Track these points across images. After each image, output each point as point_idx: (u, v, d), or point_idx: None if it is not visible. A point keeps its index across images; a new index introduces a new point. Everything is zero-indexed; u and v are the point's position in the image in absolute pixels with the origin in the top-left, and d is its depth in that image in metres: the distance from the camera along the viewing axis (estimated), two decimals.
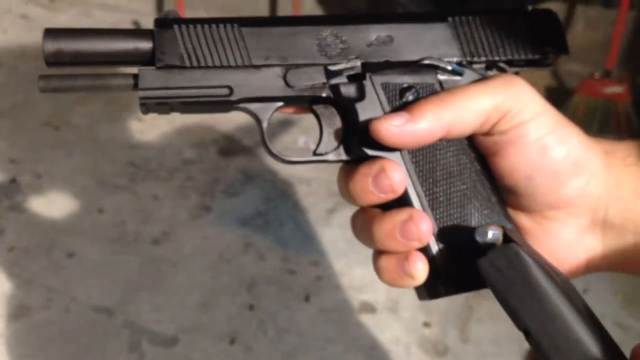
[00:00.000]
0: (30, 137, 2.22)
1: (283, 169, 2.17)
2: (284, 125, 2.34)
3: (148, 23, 2.83)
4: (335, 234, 1.97)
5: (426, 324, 1.75)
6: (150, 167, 2.15)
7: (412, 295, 1.79)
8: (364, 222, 0.48)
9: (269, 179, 2.14)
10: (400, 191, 0.46)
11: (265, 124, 0.49)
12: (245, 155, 2.22)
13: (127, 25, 2.82)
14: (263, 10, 2.86)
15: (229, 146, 2.25)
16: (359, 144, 0.47)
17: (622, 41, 2.48)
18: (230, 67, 0.47)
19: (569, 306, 0.38)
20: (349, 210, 1.98)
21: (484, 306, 1.79)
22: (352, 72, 0.48)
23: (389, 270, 0.46)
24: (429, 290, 0.47)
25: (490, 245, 0.42)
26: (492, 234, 0.42)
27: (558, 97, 2.41)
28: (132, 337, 1.65)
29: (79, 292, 1.73)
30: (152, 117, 2.34)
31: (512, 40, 0.50)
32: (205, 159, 2.20)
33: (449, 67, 0.49)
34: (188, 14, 2.65)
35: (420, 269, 0.45)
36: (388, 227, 0.46)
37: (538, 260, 0.40)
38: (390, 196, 0.46)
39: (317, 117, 0.50)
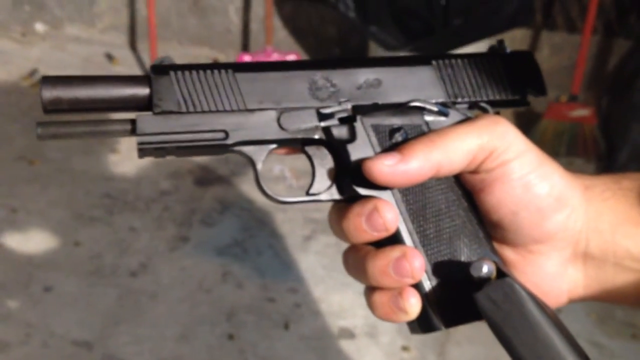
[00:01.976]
0: (5, 171, 2.21)
1: (259, 198, 2.19)
2: None
3: (121, 55, 2.85)
4: (312, 261, 1.98)
5: (405, 348, 1.77)
6: (126, 199, 2.15)
7: None
8: (357, 259, 0.49)
9: (246, 207, 2.15)
10: (392, 229, 0.47)
11: (259, 166, 0.51)
12: (221, 184, 2.24)
13: (100, 58, 2.83)
14: (235, 41, 2.90)
15: (205, 176, 2.27)
16: (351, 183, 0.49)
17: (586, 65, 2.55)
18: (225, 111, 0.49)
19: (560, 337, 0.40)
20: (326, 237, 2.00)
21: (461, 329, 1.81)
22: (343, 115, 0.50)
23: (383, 305, 0.48)
24: (422, 324, 0.49)
25: (485, 280, 0.44)
26: (487, 268, 0.44)
27: (526, 121, 2.47)
28: None
29: (58, 326, 1.72)
30: (127, 148, 2.35)
31: (493, 81, 0.53)
32: (182, 189, 2.21)
33: (435, 109, 0.51)
34: (160, 44, 2.67)
35: (414, 304, 0.47)
36: (381, 264, 0.47)
37: (531, 294, 0.43)
38: (383, 234, 0.48)
39: (310, 158, 0.52)
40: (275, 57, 2.62)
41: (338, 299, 1.87)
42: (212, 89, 0.49)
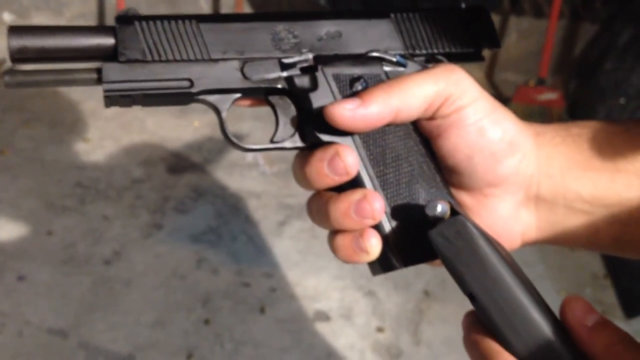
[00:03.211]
0: None
1: (233, 184, 2.19)
2: None
3: None
4: (287, 246, 2.00)
5: (379, 329, 1.79)
6: (98, 188, 2.14)
7: (365, 301, 1.83)
8: (320, 205, 0.51)
9: (219, 194, 2.16)
10: (353, 173, 0.49)
11: (224, 114, 0.52)
12: (195, 172, 2.24)
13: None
14: (205, 9, 2.89)
15: (178, 163, 2.27)
16: (313, 130, 0.50)
17: (553, 50, 2.59)
18: (190, 60, 0.50)
19: (510, 272, 0.43)
20: (300, 222, 2.02)
21: (434, 309, 1.84)
22: (305, 65, 0.52)
23: (345, 247, 0.49)
24: (383, 264, 0.50)
25: (439, 219, 0.46)
26: (441, 207, 0.46)
27: None
28: (88, 357, 1.64)
29: (32, 315, 1.72)
30: (98, 137, 2.34)
31: (449, 34, 0.55)
32: (154, 177, 2.20)
33: (394, 59, 0.53)
34: None
35: (374, 244, 0.48)
36: (343, 206, 0.48)
37: (482, 231, 0.44)
38: (345, 178, 0.49)
39: (273, 107, 0.53)
40: None
41: (313, 282, 1.89)
42: (176, 39, 0.50)
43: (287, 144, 0.52)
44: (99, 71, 0.49)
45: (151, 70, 0.49)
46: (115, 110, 2.55)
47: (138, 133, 2.38)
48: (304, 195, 1.98)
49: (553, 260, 2.04)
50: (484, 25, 0.57)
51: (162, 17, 0.51)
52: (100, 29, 0.50)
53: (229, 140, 0.52)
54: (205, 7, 2.88)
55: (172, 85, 0.50)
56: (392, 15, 0.55)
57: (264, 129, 2.43)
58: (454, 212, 0.46)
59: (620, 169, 0.53)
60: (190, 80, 0.50)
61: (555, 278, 1.99)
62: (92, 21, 2.92)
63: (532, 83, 2.56)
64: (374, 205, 0.48)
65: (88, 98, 2.51)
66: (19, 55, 0.48)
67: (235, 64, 0.51)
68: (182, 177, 2.21)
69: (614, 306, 1.93)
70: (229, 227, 2.04)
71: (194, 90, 0.50)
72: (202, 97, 0.51)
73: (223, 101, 0.51)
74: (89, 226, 2.00)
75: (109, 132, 2.36)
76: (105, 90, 0.49)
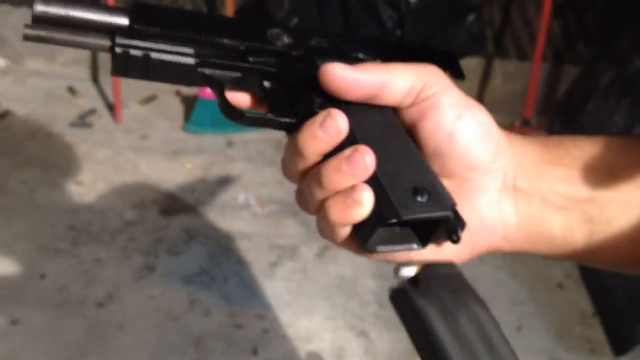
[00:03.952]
0: None
1: (225, 226, 2.21)
2: (224, 182, 2.39)
3: (83, 89, 2.86)
4: (279, 287, 2.01)
5: None
6: (91, 230, 2.16)
7: (357, 341, 1.84)
8: (311, 176, 0.51)
9: (212, 235, 2.18)
10: (345, 131, 0.50)
11: (225, 89, 0.55)
12: (187, 213, 2.26)
13: (63, 91, 2.85)
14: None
15: (170, 205, 2.29)
16: (305, 102, 0.54)
17: (538, 91, 2.65)
18: (196, 39, 0.55)
19: (456, 346, 0.43)
20: (292, 263, 2.04)
21: None
22: (298, 55, 0.57)
23: (336, 204, 0.49)
24: (375, 219, 0.49)
25: (405, 281, 0.47)
26: (405, 271, 0.48)
27: None
28: None
29: (25, 359, 1.72)
30: (91, 180, 2.36)
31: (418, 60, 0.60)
32: (147, 219, 2.22)
33: (379, 62, 0.58)
34: (123, 78, 2.70)
35: (367, 195, 0.48)
36: (335, 162, 0.49)
37: (435, 300, 0.45)
38: (337, 138, 0.50)
39: (267, 91, 0.56)
40: None
41: (305, 323, 1.90)
42: (185, 22, 0.55)
43: (283, 119, 0.54)
44: (112, 38, 0.53)
45: (160, 40, 0.54)
46: (108, 153, 2.57)
47: (131, 176, 2.40)
48: (296, 236, 2.02)
49: (542, 299, 2.07)
50: (449, 59, 0.62)
51: (173, 8, 0.58)
52: (116, 8, 0.54)
53: (231, 112, 0.54)
54: None
55: (178, 52, 0.54)
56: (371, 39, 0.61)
57: (255, 170, 2.47)
58: (416, 279, 0.47)
59: (587, 168, 0.56)
60: (194, 53, 0.54)
61: (544, 317, 2.01)
62: (85, 67, 2.96)
63: (518, 124, 2.62)
64: (366, 156, 0.49)
65: (81, 141, 2.54)
66: (41, 18, 0.52)
67: (236, 47, 0.55)
68: (174, 219, 2.23)
69: (603, 344, 1.96)
70: (221, 268, 2.06)
71: (197, 61, 0.54)
72: (202, 69, 0.54)
73: (223, 77, 0.55)
74: (81, 269, 2.02)
75: (102, 175, 2.39)
76: (117, 45, 0.53)
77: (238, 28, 0.57)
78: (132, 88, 2.82)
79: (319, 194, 0.51)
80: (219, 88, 0.55)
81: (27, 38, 0.52)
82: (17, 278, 1.96)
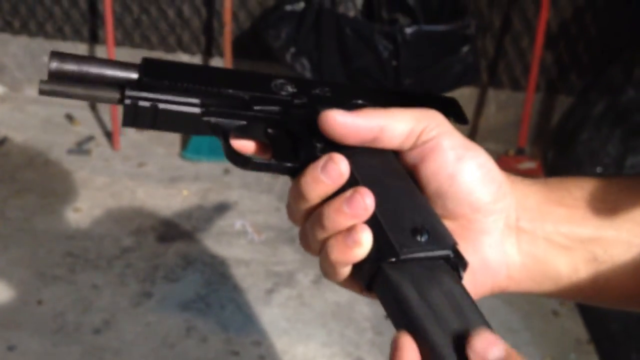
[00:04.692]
0: None
1: (221, 252, 2.22)
2: (221, 209, 2.41)
3: (81, 116, 2.89)
4: (275, 314, 2.02)
5: None
6: (88, 257, 2.16)
7: None
8: (313, 217, 0.53)
9: (208, 262, 2.19)
10: (346, 174, 0.52)
11: (230, 136, 0.57)
12: (184, 240, 2.27)
13: (61, 118, 2.87)
14: None
15: (167, 232, 2.30)
16: (307, 148, 0.55)
17: (531, 120, 2.69)
18: (202, 90, 0.57)
19: (428, 314, 0.46)
20: (288, 290, 2.05)
21: None
22: (302, 102, 0.59)
23: (337, 244, 0.50)
24: (374, 258, 0.50)
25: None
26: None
27: None
28: None
29: None
30: (89, 206, 2.37)
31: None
32: (144, 245, 2.23)
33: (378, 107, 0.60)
34: (120, 108, 2.73)
35: (366, 236, 0.49)
36: (336, 204, 0.51)
37: (409, 274, 0.48)
38: (338, 182, 0.52)
39: (271, 138, 0.58)
40: None
41: (301, 350, 1.91)
42: (192, 75, 0.58)
43: (287, 164, 0.56)
44: (122, 91, 0.56)
45: (167, 92, 0.56)
46: (106, 180, 2.58)
47: (128, 202, 2.42)
48: (292, 263, 2.05)
49: (537, 326, 2.08)
50: (453, 105, 0.63)
51: (180, 63, 0.59)
52: (127, 64, 0.57)
53: (236, 158, 0.56)
54: None
55: (185, 103, 0.56)
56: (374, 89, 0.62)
57: (251, 197, 2.48)
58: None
59: (590, 208, 0.56)
60: (200, 103, 0.57)
61: (539, 344, 2.02)
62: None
63: (512, 153, 2.65)
64: (366, 198, 0.50)
65: (79, 168, 2.56)
66: (56, 74, 0.55)
67: (241, 97, 0.58)
68: (171, 246, 2.24)
69: None
70: (218, 295, 2.07)
71: (203, 110, 0.57)
72: (208, 118, 0.57)
73: (228, 125, 0.58)
74: (78, 295, 2.02)
75: (99, 202, 2.40)
76: (127, 97, 0.55)
77: (243, 79, 0.59)
78: None
79: (321, 235, 0.52)
80: (225, 136, 0.57)
81: (42, 93, 0.55)
82: (14, 304, 1.97)
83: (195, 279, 2.11)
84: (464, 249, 0.52)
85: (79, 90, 0.56)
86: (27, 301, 1.97)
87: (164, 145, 2.77)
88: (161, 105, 0.56)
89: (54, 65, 0.55)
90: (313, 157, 0.54)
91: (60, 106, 2.90)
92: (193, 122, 0.57)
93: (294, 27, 2.46)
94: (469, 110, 2.83)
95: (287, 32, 2.47)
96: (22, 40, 2.99)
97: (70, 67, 0.55)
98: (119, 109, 2.71)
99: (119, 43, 2.86)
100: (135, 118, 0.56)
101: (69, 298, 2.00)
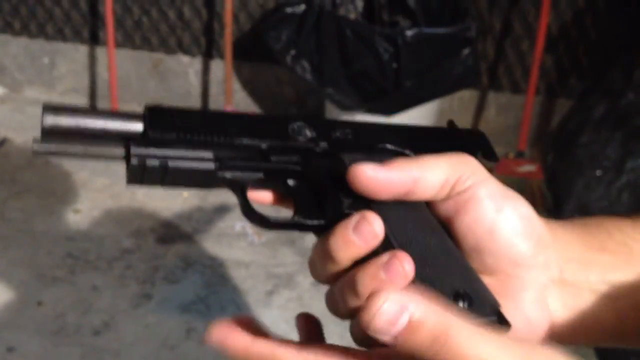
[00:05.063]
0: None
1: (222, 254, 2.22)
2: (221, 211, 2.41)
3: None
4: (275, 315, 2.02)
5: None
6: (88, 258, 2.16)
7: None
8: (343, 282, 0.48)
9: (208, 264, 2.19)
10: (381, 235, 0.47)
11: (246, 193, 0.53)
12: (184, 241, 2.27)
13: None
14: (195, 103, 2.97)
15: (167, 233, 2.30)
16: (334, 203, 0.51)
17: (531, 124, 2.69)
18: (214, 143, 0.52)
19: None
20: (288, 292, 2.05)
21: None
22: (322, 150, 0.54)
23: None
24: None
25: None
26: None
27: None
28: None
29: None
30: (89, 208, 2.37)
31: (445, 146, 0.56)
32: (144, 247, 2.23)
33: (407, 153, 0.55)
34: (121, 106, 2.73)
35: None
36: (371, 270, 0.46)
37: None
38: (373, 243, 0.47)
39: (291, 190, 0.54)
40: None
41: None
42: (202, 125, 0.52)
43: (309, 222, 0.52)
44: (126, 146, 0.50)
45: (177, 146, 0.51)
46: (106, 181, 2.58)
47: (128, 204, 2.42)
48: (292, 265, 2.05)
49: None
50: (481, 141, 0.59)
51: (187, 109, 0.53)
52: (129, 114, 0.52)
53: (255, 217, 0.52)
54: (194, 81, 2.96)
55: (197, 158, 0.51)
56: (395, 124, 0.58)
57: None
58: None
59: (633, 251, 0.53)
60: (213, 157, 0.51)
61: None
62: (84, 95, 2.99)
63: (512, 155, 2.65)
64: (405, 264, 0.45)
65: (79, 169, 2.56)
66: (51, 132, 0.49)
67: (257, 147, 0.53)
68: (171, 247, 2.24)
69: None
70: (218, 296, 2.07)
71: (217, 165, 0.51)
72: (223, 173, 0.52)
73: (245, 179, 0.53)
74: (78, 296, 2.02)
75: (99, 203, 2.40)
76: (133, 155, 0.50)
77: (257, 125, 0.54)
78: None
79: (353, 302, 0.47)
80: (242, 191, 0.52)
81: (37, 154, 0.49)
82: (13, 305, 1.96)
83: (195, 280, 2.11)
84: (504, 307, 0.49)
85: (78, 148, 0.50)
86: (27, 302, 1.97)
87: None
88: (171, 163, 0.50)
89: (49, 120, 0.48)
90: (341, 214, 0.49)
91: None
92: (206, 178, 0.52)
93: (294, 29, 2.47)
94: (468, 113, 2.83)
95: (287, 34, 2.47)
96: (23, 41, 2.99)
97: (67, 121, 0.49)
98: (119, 104, 2.71)
99: (119, 44, 2.86)
100: (142, 177, 0.50)
101: (68, 299, 2.00)
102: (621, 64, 2.56)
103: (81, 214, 2.35)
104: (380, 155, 0.53)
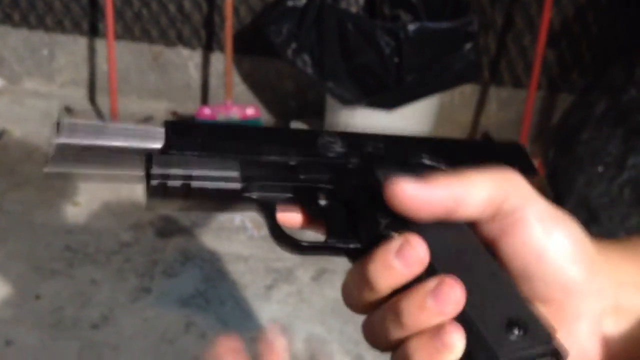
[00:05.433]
0: None
1: (221, 248, 2.21)
2: None
3: (80, 109, 2.87)
4: (274, 310, 2.01)
5: None
6: (87, 251, 2.15)
7: (353, 359, 1.82)
8: (384, 311, 0.44)
9: (207, 258, 2.18)
10: (426, 261, 0.44)
11: (275, 215, 0.48)
12: (183, 235, 2.26)
13: (60, 111, 2.85)
14: (195, 95, 2.96)
15: (166, 227, 2.29)
16: (370, 225, 0.47)
17: (532, 119, 2.68)
18: (239, 159, 0.48)
19: None
20: (287, 286, 2.04)
21: None
22: (355, 166, 0.50)
23: (421, 349, 0.42)
24: None
25: None
26: None
27: None
28: None
29: None
30: (88, 201, 2.36)
31: (485, 161, 0.51)
32: (143, 240, 2.22)
33: (444, 167, 0.51)
34: (120, 98, 2.72)
35: (458, 337, 0.42)
36: (417, 298, 0.42)
37: None
38: (417, 270, 0.44)
39: (322, 210, 0.50)
40: (234, 110, 2.68)
41: (301, 347, 1.90)
42: (226, 139, 0.48)
43: (342, 244, 0.48)
44: (146, 167, 0.46)
45: (200, 166, 0.47)
46: None
47: (127, 197, 2.41)
48: (292, 259, 2.02)
49: None
50: (519, 153, 0.55)
51: (208, 124, 0.50)
52: (147, 130, 0.48)
53: (285, 241, 0.47)
54: (194, 74, 2.95)
55: (222, 178, 0.47)
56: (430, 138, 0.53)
57: None
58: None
59: None
60: (239, 176, 0.48)
61: None
62: (83, 87, 2.97)
63: None
64: (456, 290, 0.42)
65: None
66: (63, 150, 0.46)
67: (285, 164, 0.49)
68: (170, 241, 2.23)
69: None
70: (217, 291, 2.06)
71: (243, 185, 0.48)
72: (250, 194, 0.48)
73: (273, 199, 0.48)
74: (77, 290, 2.01)
75: (98, 196, 2.39)
76: (153, 177, 0.46)
77: (284, 140, 0.50)
78: (129, 109, 2.83)
79: (397, 333, 0.44)
80: (270, 213, 0.48)
81: (48, 177, 0.47)
82: (11, 298, 1.96)
83: (194, 274, 2.10)
84: (559, 337, 0.45)
85: (92, 169, 0.46)
86: (25, 295, 1.96)
87: None
88: (195, 183, 0.46)
89: (62, 140, 0.45)
90: (378, 236, 0.46)
91: (59, 99, 2.89)
92: (231, 199, 0.48)
93: (295, 22, 2.45)
94: (469, 108, 2.82)
95: (288, 27, 2.45)
96: (22, 33, 2.97)
97: (80, 140, 0.45)
98: (118, 102, 2.70)
99: (119, 37, 2.84)
100: (163, 199, 0.47)
101: (67, 292, 1.99)
102: (623, 60, 2.55)
103: (80, 207, 2.34)
104: (415, 170, 0.49)
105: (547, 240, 0.46)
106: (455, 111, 2.81)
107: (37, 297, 1.96)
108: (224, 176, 0.47)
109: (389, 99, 2.41)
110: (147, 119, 2.84)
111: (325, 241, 0.48)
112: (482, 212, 0.46)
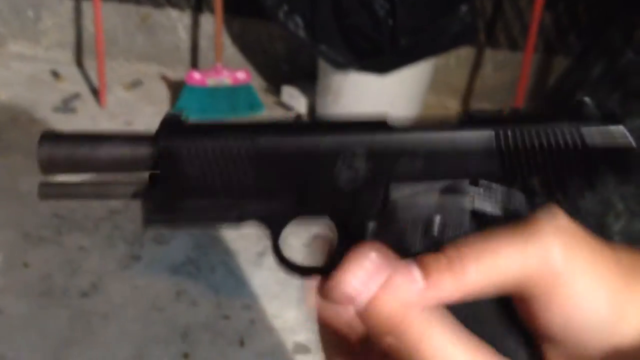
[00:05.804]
0: None
1: None
2: None
3: (67, 72, 2.81)
4: (266, 277, 1.99)
5: None
6: (75, 218, 2.12)
7: None
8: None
9: None
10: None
11: (279, 237, 0.44)
12: None
13: (46, 74, 2.79)
14: (184, 58, 2.90)
15: None
16: None
17: (528, 81, 2.64)
18: (240, 196, 0.43)
19: None
20: None
21: None
22: (374, 197, 0.42)
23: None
24: None
25: None
26: None
27: None
28: None
29: (8, 350, 1.69)
30: None
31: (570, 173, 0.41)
32: (132, 207, 2.19)
33: (488, 210, 0.41)
34: (107, 61, 2.65)
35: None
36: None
37: None
38: None
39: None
40: (225, 74, 2.63)
41: (293, 314, 1.88)
42: (226, 167, 0.43)
43: None
44: (149, 180, 0.44)
45: (195, 201, 0.43)
46: None
47: None
48: None
49: None
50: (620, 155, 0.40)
51: (209, 134, 0.43)
52: (139, 137, 0.44)
53: (285, 265, 0.44)
54: (183, 36, 2.88)
55: (219, 212, 0.43)
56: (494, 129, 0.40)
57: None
58: None
59: None
60: (239, 213, 0.43)
61: None
62: (69, 50, 2.91)
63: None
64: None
65: (65, 127, 2.49)
66: (48, 166, 0.43)
67: (291, 196, 0.43)
68: None
69: None
70: (208, 258, 2.03)
71: (242, 219, 0.43)
72: (249, 222, 0.44)
73: (276, 224, 0.44)
74: (66, 258, 1.98)
75: None
76: (146, 220, 0.43)
77: (299, 162, 0.42)
78: (117, 72, 2.77)
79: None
80: (273, 237, 0.44)
81: (42, 198, 0.45)
82: None
83: (185, 241, 2.08)
84: None
85: (84, 190, 0.44)
86: (13, 263, 1.93)
87: (152, 103, 2.71)
88: (189, 219, 0.43)
89: (44, 153, 0.42)
90: None
91: (45, 62, 2.83)
92: (232, 225, 0.43)
93: None
94: (465, 70, 2.78)
95: None
96: None
97: (64, 151, 0.42)
98: (106, 66, 2.64)
99: None
100: (166, 219, 0.43)
101: (55, 260, 1.96)
102: (621, 23, 2.51)
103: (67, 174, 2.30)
104: (459, 204, 0.40)
105: (577, 311, 0.38)
106: (450, 74, 2.76)
107: (26, 265, 1.94)
108: (224, 212, 0.42)
109: (383, 63, 2.36)
110: (135, 84, 2.79)
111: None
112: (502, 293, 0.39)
